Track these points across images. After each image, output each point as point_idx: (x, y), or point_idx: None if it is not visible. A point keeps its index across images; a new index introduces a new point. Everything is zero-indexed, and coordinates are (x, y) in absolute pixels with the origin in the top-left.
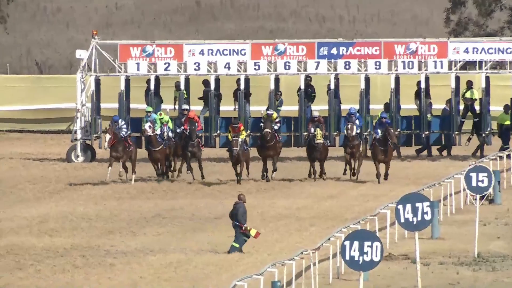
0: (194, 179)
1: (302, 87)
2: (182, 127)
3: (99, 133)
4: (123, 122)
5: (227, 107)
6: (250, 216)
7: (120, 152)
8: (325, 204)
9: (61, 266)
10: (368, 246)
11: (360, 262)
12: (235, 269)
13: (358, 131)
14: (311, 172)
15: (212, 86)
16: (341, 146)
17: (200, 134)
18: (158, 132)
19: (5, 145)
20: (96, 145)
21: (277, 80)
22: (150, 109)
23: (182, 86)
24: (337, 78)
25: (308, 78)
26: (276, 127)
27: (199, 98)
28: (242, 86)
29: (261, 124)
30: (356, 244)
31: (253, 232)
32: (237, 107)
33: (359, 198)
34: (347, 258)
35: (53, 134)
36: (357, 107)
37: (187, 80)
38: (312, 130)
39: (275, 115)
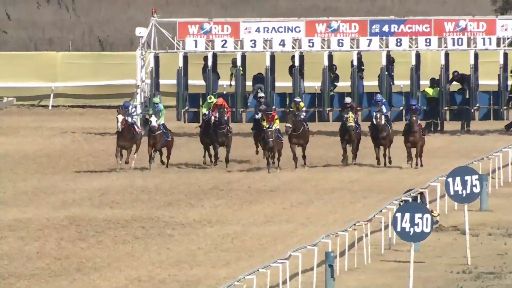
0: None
1: (355, 63)
2: (210, 113)
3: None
4: (133, 109)
5: (283, 83)
6: (304, 188)
7: (127, 142)
8: (377, 177)
9: (122, 237)
10: (418, 217)
11: (411, 234)
12: (289, 240)
13: (387, 115)
14: (344, 157)
15: (268, 63)
16: (370, 136)
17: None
18: (162, 122)
19: (68, 120)
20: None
21: (330, 57)
22: (157, 100)
23: (239, 63)
24: (389, 55)
25: (358, 55)
26: (302, 116)
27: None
28: (296, 63)
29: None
30: (407, 216)
31: None
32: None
33: (410, 171)
34: (399, 229)
35: (114, 109)
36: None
37: (243, 57)
38: (345, 115)
39: (302, 104)
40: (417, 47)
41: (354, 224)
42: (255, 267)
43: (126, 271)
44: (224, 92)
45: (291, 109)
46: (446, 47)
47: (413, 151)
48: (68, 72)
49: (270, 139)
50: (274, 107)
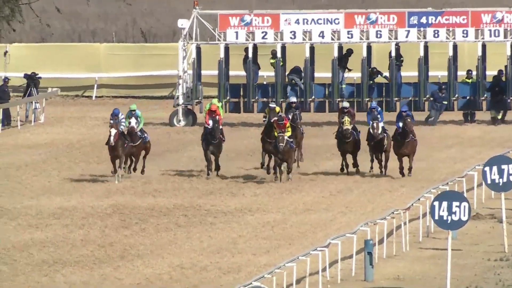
0: (209, 176)
1: (393, 54)
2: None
3: (200, 98)
4: (122, 116)
5: (322, 74)
6: (343, 177)
7: (119, 150)
8: (415, 166)
9: (164, 225)
10: (456, 206)
11: (449, 222)
12: (329, 228)
13: (382, 125)
14: (343, 166)
15: (307, 54)
16: (367, 141)
17: (221, 127)
18: (141, 127)
19: (112, 110)
20: (197, 110)
21: (369, 48)
22: (134, 107)
23: (279, 54)
24: (426, 46)
25: (396, 46)
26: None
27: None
28: (335, 54)
29: (264, 118)
30: (444, 204)
31: None
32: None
33: (447, 160)
34: (436, 217)
35: (156, 99)
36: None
37: (283, 48)
38: (341, 119)
39: (278, 108)
40: (454, 38)
41: (393, 212)
42: (295, 254)
43: (168, 258)
44: (265, 83)
45: (265, 115)
46: (483, 38)
47: (405, 159)
48: (111, 63)
49: (281, 144)
50: (313, 97)
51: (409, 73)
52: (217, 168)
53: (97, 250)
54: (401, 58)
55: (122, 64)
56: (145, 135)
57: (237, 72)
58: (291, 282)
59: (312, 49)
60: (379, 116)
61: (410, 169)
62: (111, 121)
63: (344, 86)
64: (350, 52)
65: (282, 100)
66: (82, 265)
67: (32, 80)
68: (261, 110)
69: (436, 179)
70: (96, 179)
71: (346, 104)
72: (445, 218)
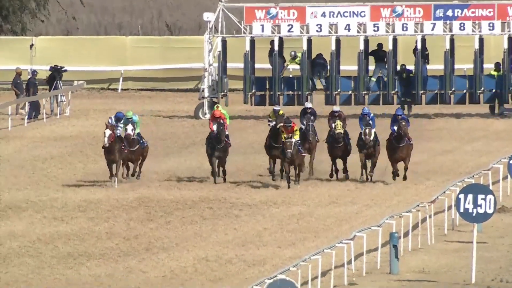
0: (215, 183)
1: (419, 47)
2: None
3: (225, 91)
4: (122, 121)
5: (348, 67)
6: (379, 164)
7: (116, 154)
8: (440, 159)
9: (190, 218)
10: (481, 199)
11: (474, 214)
12: (354, 221)
13: (374, 131)
14: (332, 171)
15: (333, 47)
16: (358, 147)
17: (227, 133)
18: (137, 131)
19: (137, 103)
20: (222, 103)
21: (395, 40)
22: (130, 114)
23: (305, 47)
24: (452, 39)
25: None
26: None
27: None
28: (361, 47)
29: (269, 122)
30: (470, 197)
31: None
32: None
33: (473, 153)
34: (462, 210)
35: (182, 92)
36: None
37: (309, 41)
38: (333, 125)
39: (281, 111)
40: (480, 31)
41: (418, 205)
42: (320, 247)
43: (194, 251)
44: (290, 76)
45: (269, 119)
46: (509, 31)
47: (400, 165)
48: (137, 56)
49: (289, 150)
50: (339, 90)
51: (434, 66)
52: (224, 173)
53: (122, 243)
54: (426, 52)
55: (148, 57)
56: (143, 140)
57: (263, 65)
58: (316, 275)
59: (338, 42)
60: (371, 122)
61: (405, 170)
62: (108, 122)
63: (374, 79)
64: (380, 46)
65: (307, 93)
66: (107, 258)
67: (58, 73)
68: (286, 103)
69: (462, 172)
70: (121, 172)
71: (336, 108)
72: (470, 211)
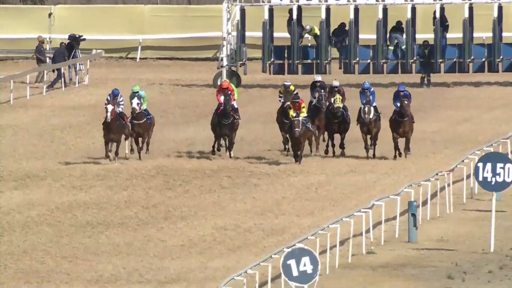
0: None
1: (438, 16)
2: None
3: (244, 60)
4: (121, 98)
5: (367, 36)
6: (386, 139)
7: (115, 134)
8: (458, 127)
9: (208, 186)
10: (500, 167)
11: (493, 183)
12: (373, 189)
13: (374, 105)
14: (328, 146)
15: (352, 16)
16: (357, 123)
17: (236, 106)
18: (144, 107)
19: (156, 72)
20: (241, 72)
21: (413, 9)
22: (136, 89)
23: (323, 16)
24: (471, 7)
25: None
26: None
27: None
28: (380, 16)
29: (280, 98)
30: (489, 165)
31: None
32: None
33: (491, 122)
34: (480, 179)
35: (200, 61)
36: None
37: (327, 10)
38: (332, 99)
39: (292, 87)
40: None
41: (436, 174)
42: (339, 216)
43: (212, 219)
44: (309, 45)
45: (280, 94)
46: None
47: (401, 141)
48: (155, 24)
49: (297, 129)
50: (357, 58)
51: (453, 34)
52: (230, 147)
53: (141, 211)
54: (447, 23)
55: (166, 25)
56: (150, 116)
57: (281, 34)
58: (334, 243)
59: (356, 10)
60: (371, 97)
61: (407, 148)
62: (108, 99)
63: (391, 47)
64: (399, 23)
65: (326, 62)
66: (126, 227)
67: (76, 41)
68: (305, 72)
69: (481, 141)
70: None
71: (336, 83)
72: (489, 179)
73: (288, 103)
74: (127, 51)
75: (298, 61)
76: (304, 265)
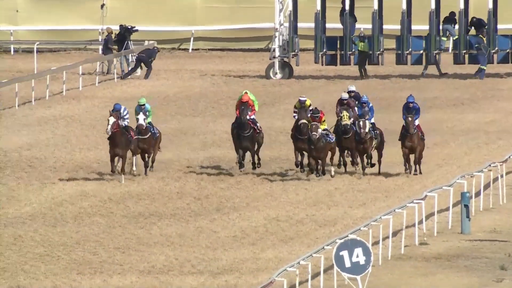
0: (242, 170)
1: (491, 7)
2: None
3: (296, 51)
4: (126, 111)
5: (419, 27)
6: (439, 130)
7: (121, 149)
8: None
9: (260, 178)
10: None
11: None
12: (425, 180)
13: (372, 121)
14: (340, 162)
15: (404, 6)
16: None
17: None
18: (149, 120)
19: (208, 63)
20: (293, 63)
21: (466, 0)
22: (143, 101)
23: (376, 6)
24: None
25: None
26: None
27: None
28: (432, 6)
29: (294, 113)
30: None
31: None
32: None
33: None
34: None
35: (252, 52)
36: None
37: (380, 0)
38: (340, 115)
39: (308, 102)
40: None
41: (490, 165)
42: (391, 207)
43: (264, 211)
44: (361, 35)
45: (295, 109)
46: None
47: (411, 157)
48: (207, 15)
49: (314, 133)
50: (410, 49)
51: (506, 25)
52: (253, 163)
53: (193, 202)
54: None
55: (219, 16)
56: (155, 130)
57: (333, 25)
58: (387, 234)
59: (409, 1)
60: (370, 112)
61: (416, 164)
62: (111, 111)
63: (445, 39)
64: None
65: (378, 52)
66: (178, 218)
67: (129, 32)
68: (357, 62)
69: None
70: (192, 132)
71: (345, 95)
72: None
73: (303, 120)
74: (179, 42)
75: (350, 52)
76: (357, 256)
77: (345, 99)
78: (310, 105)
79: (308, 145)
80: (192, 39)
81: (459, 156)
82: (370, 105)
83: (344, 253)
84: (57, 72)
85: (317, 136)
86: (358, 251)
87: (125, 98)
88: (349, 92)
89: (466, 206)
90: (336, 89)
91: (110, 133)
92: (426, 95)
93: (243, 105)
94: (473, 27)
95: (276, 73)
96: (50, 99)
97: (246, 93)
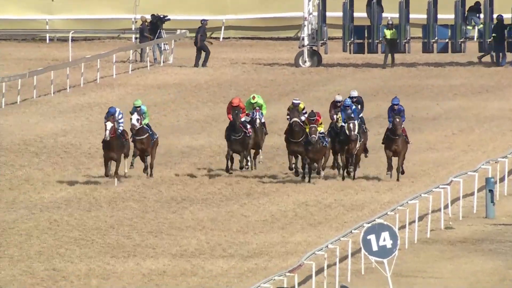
0: (230, 173)
1: None
2: (254, 114)
3: (325, 40)
4: (120, 115)
5: (446, 16)
6: (464, 116)
7: (115, 152)
8: None
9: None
10: None
11: None
12: (451, 166)
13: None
14: (334, 165)
15: None
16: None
17: (263, 121)
18: (147, 122)
19: (238, 51)
20: (322, 51)
21: None
22: (138, 103)
23: None
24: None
25: None
26: (303, 118)
27: None
28: None
29: (288, 116)
30: None
31: None
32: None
33: None
34: None
35: (282, 41)
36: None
37: None
38: (335, 116)
39: (302, 105)
40: None
41: None
42: (418, 192)
43: (293, 196)
44: (390, 23)
45: (288, 112)
46: None
47: (394, 160)
48: (238, 4)
49: (314, 135)
50: (436, 38)
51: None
52: (242, 163)
53: (224, 188)
54: None
55: (249, 6)
56: (152, 132)
57: (361, 14)
58: (413, 219)
59: None
60: (353, 115)
61: (398, 170)
62: (105, 118)
63: (470, 27)
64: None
65: (405, 41)
66: (210, 202)
67: (161, 21)
68: (384, 51)
69: None
70: (223, 118)
71: (339, 97)
72: None
73: (295, 119)
74: (210, 31)
75: (377, 40)
76: (384, 240)
77: (339, 101)
78: (304, 108)
79: (305, 147)
80: (223, 28)
81: (484, 142)
82: (353, 107)
83: (372, 237)
84: (91, 60)
85: (316, 139)
86: (385, 235)
87: (157, 85)
88: (351, 97)
89: (491, 191)
90: (364, 76)
91: (108, 139)
92: (451, 82)
93: (236, 109)
94: None
95: (305, 61)
96: (85, 86)
97: (237, 97)
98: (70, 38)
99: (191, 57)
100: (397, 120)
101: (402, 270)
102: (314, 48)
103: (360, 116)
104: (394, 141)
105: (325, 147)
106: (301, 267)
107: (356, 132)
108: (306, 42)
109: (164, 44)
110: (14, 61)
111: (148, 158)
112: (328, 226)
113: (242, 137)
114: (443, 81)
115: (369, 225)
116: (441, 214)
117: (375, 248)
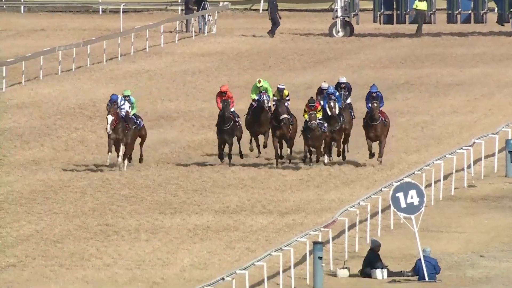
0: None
1: None
2: (261, 98)
3: (356, 11)
4: (122, 102)
5: None
6: (486, 82)
7: (120, 133)
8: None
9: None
10: None
11: None
12: (473, 128)
13: (339, 108)
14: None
15: None
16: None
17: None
18: (134, 112)
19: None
20: (354, 22)
21: None
22: (128, 93)
23: None
24: None
25: None
26: (287, 104)
27: None
28: None
29: (274, 103)
30: None
31: None
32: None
33: None
34: None
35: (317, 12)
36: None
37: None
38: (322, 102)
39: (286, 91)
40: None
41: None
42: (443, 153)
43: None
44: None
45: (274, 98)
46: None
47: (375, 145)
48: None
49: (313, 121)
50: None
51: None
52: (229, 156)
53: (264, 149)
54: None
55: None
56: (139, 120)
57: None
58: (439, 178)
59: None
60: (337, 101)
61: (381, 154)
62: (108, 106)
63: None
64: None
65: (431, 12)
66: (233, 189)
67: None
68: (412, 21)
69: None
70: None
71: (325, 84)
72: None
73: (285, 115)
74: (251, 3)
75: (405, 12)
76: (411, 198)
77: (324, 89)
78: (288, 95)
79: (304, 133)
80: (262, 0)
81: (504, 106)
82: (337, 94)
83: (400, 195)
84: (141, 30)
85: (315, 125)
86: (413, 192)
87: (201, 54)
88: (339, 83)
89: (511, 152)
90: (393, 45)
91: (110, 132)
92: (474, 51)
93: (225, 101)
94: None
95: (338, 32)
96: (135, 55)
97: (225, 84)
98: (121, 9)
99: (232, 27)
100: (375, 104)
101: (428, 225)
102: (347, 19)
103: (348, 102)
104: (373, 127)
105: (325, 133)
106: (335, 223)
107: (337, 111)
108: (339, 13)
109: (208, 15)
110: (70, 31)
111: (123, 149)
112: (359, 184)
113: (230, 127)
114: (466, 50)
115: (398, 183)
116: (464, 173)
117: (403, 205)
